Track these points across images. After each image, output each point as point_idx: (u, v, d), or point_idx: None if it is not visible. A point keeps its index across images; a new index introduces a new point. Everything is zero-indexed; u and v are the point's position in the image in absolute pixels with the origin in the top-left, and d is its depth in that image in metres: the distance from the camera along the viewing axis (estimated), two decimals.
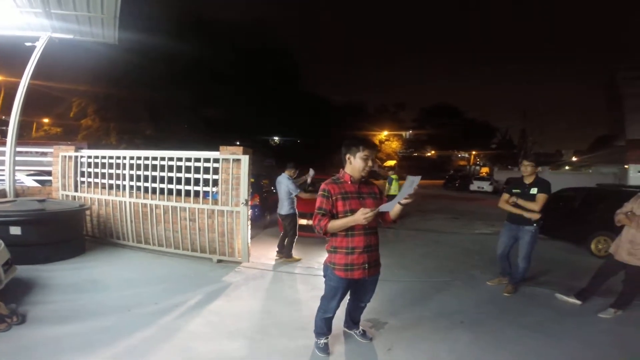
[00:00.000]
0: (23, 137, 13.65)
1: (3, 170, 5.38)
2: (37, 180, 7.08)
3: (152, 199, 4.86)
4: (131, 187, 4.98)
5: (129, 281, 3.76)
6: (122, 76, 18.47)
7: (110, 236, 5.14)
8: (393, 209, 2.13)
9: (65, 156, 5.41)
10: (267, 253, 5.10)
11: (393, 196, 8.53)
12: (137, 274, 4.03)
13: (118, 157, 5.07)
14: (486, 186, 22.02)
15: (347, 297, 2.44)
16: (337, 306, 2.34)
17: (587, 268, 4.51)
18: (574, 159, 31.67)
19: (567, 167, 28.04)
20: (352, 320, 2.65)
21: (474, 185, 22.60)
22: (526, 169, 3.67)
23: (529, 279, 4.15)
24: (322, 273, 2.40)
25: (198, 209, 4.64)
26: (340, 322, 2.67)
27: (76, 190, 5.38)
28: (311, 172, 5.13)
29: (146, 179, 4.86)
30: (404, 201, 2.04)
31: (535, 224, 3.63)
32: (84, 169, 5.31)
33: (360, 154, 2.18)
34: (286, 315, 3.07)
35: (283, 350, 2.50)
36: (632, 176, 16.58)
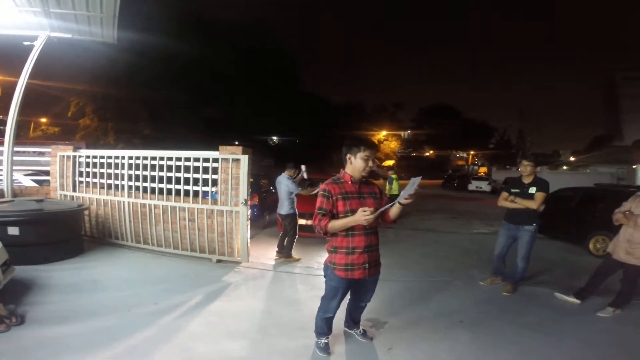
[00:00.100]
0: (20, 136, 13.61)
1: (1, 170, 5.35)
2: (35, 180, 7.04)
3: (151, 199, 4.85)
4: (130, 187, 4.96)
5: (128, 281, 3.75)
6: (121, 76, 18.40)
7: (109, 236, 5.12)
8: (393, 208, 2.13)
9: (63, 156, 5.38)
10: (267, 253, 5.10)
11: (394, 195, 8.57)
12: (136, 274, 4.02)
13: (117, 157, 5.05)
14: (484, 186, 22.09)
15: (348, 296, 2.44)
16: (338, 306, 2.34)
17: (586, 267, 4.54)
18: (571, 158, 31.80)
19: (564, 167, 28.14)
20: (353, 320, 2.65)
21: (472, 185, 22.67)
22: (525, 169, 3.69)
23: (528, 278, 4.17)
24: (321, 273, 2.40)
25: (197, 208, 4.63)
26: (341, 321, 2.67)
27: (74, 190, 5.35)
28: (303, 167, 5.11)
29: (145, 178, 4.85)
30: (404, 201, 2.05)
31: (534, 224, 3.65)
32: (82, 169, 5.29)
33: (361, 154, 2.18)
34: (286, 315, 3.07)
35: (283, 350, 2.50)
36: None
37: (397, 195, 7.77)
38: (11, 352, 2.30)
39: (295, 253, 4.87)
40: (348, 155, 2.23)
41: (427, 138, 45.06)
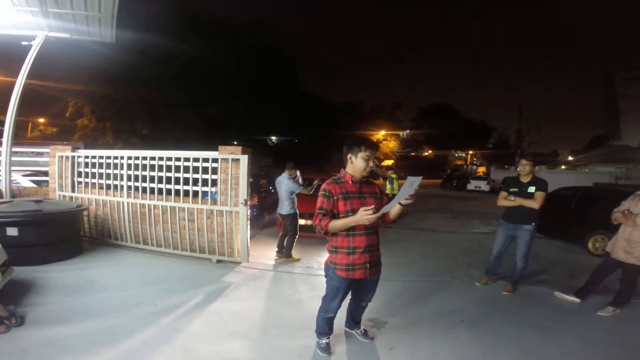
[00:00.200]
0: (18, 137, 13.53)
1: None
2: (33, 181, 7.01)
3: (150, 199, 4.83)
4: (129, 187, 4.94)
5: (128, 282, 3.74)
6: (119, 75, 18.34)
7: (108, 237, 5.10)
8: (393, 209, 2.13)
9: (62, 156, 5.36)
10: (267, 253, 5.09)
11: (392, 195, 8.55)
12: (136, 274, 4.00)
13: (116, 157, 5.03)
14: (483, 185, 22.16)
15: (348, 296, 2.44)
16: (339, 306, 2.34)
17: (585, 267, 4.56)
18: (570, 158, 31.90)
19: (563, 167, 28.23)
20: (354, 319, 2.65)
21: (471, 185, 22.74)
22: (524, 168, 3.69)
23: (528, 277, 4.19)
24: (322, 273, 2.40)
25: (197, 209, 4.62)
26: (342, 322, 2.67)
27: (73, 191, 5.33)
28: (297, 173, 5.08)
29: (144, 179, 4.83)
30: (404, 202, 2.05)
31: (533, 223, 3.65)
32: (81, 169, 5.27)
33: (362, 154, 2.17)
34: (287, 315, 3.07)
35: (284, 351, 2.49)
36: None
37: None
38: (11, 353, 2.29)
39: (295, 253, 4.86)
40: (349, 155, 2.23)
41: (425, 138, 45.13)
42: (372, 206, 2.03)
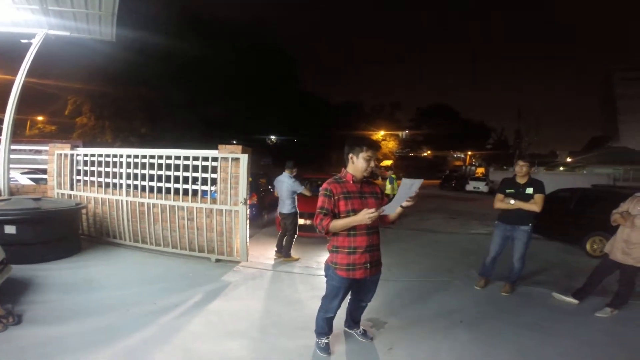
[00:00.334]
0: (17, 135, 13.46)
1: None
2: (32, 179, 6.99)
3: (149, 198, 4.82)
4: (128, 185, 4.93)
5: (127, 281, 3.73)
6: (118, 74, 18.28)
7: (107, 235, 5.09)
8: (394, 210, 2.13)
9: (60, 154, 5.34)
10: (266, 252, 5.09)
11: (393, 195, 8.54)
12: (135, 273, 3.99)
13: (115, 156, 5.02)
14: (482, 186, 22.19)
15: (348, 296, 2.44)
16: (339, 306, 2.34)
17: (583, 268, 4.57)
18: (568, 159, 32.00)
19: (561, 168, 28.32)
20: (353, 319, 2.65)
21: (470, 186, 22.77)
22: (522, 169, 3.68)
23: (526, 278, 4.20)
24: (321, 273, 2.39)
25: (196, 208, 4.61)
26: (341, 321, 2.67)
27: (72, 189, 5.32)
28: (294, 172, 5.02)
29: (144, 177, 4.82)
30: (405, 204, 2.06)
31: (530, 224, 3.66)
32: (80, 167, 5.25)
33: (363, 154, 2.17)
34: (286, 315, 3.06)
35: (283, 350, 2.49)
36: None
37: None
38: (8, 352, 2.27)
39: (294, 253, 4.86)
40: (350, 155, 2.23)
41: (424, 138, 45.20)
42: (375, 208, 2.03)
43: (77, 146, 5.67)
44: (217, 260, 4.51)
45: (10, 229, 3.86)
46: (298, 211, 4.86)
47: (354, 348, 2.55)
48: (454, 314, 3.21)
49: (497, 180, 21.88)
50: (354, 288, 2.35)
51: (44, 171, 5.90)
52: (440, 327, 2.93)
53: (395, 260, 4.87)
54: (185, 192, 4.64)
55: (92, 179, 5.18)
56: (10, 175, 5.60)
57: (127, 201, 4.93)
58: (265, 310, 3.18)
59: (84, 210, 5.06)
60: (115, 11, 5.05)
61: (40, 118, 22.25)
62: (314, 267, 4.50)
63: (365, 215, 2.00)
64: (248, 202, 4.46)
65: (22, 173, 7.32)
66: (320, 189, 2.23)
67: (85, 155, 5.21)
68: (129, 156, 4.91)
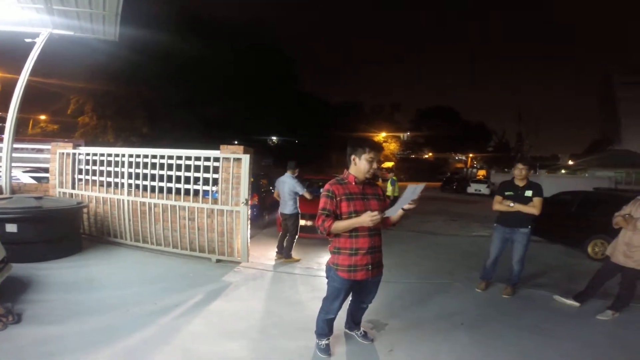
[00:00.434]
0: (19, 133, 13.51)
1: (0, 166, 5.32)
2: (33, 177, 7.00)
3: (150, 198, 4.83)
4: (130, 185, 4.94)
5: (127, 280, 3.73)
6: (120, 73, 18.33)
7: (108, 235, 5.09)
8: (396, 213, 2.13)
9: (62, 153, 5.35)
10: (266, 253, 5.08)
11: (394, 197, 8.52)
12: (135, 273, 3.99)
13: (117, 155, 5.03)
14: (483, 189, 22.15)
15: (349, 298, 2.43)
16: (340, 307, 2.33)
17: (584, 271, 4.56)
18: (570, 162, 31.92)
19: (563, 171, 28.25)
20: (354, 321, 2.64)
21: (471, 188, 22.73)
22: (521, 172, 3.69)
23: (527, 281, 4.19)
24: (322, 274, 2.39)
25: (197, 208, 4.61)
26: (342, 323, 2.66)
27: (73, 188, 5.33)
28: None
29: (145, 177, 4.82)
30: (407, 206, 2.06)
31: (529, 226, 3.66)
32: (82, 167, 5.26)
33: (365, 156, 2.17)
34: (286, 316, 3.06)
35: (284, 351, 2.49)
36: None
37: (397, 197, 7.65)
38: (8, 351, 2.27)
39: (295, 254, 4.85)
40: (352, 156, 2.23)
41: (425, 140, 45.18)
42: (378, 210, 2.04)
43: (79, 145, 5.68)
44: (218, 261, 4.51)
45: (11, 228, 3.86)
46: (300, 212, 4.86)
47: (354, 349, 2.54)
48: (455, 316, 3.20)
49: (499, 182, 21.75)
50: (355, 289, 2.34)
51: (46, 170, 5.91)
52: (441, 329, 2.92)
53: (395, 262, 4.85)
54: (187, 192, 4.64)
55: (94, 178, 5.19)
56: (13, 174, 5.61)
57: (128, 201, 4.94)
58: (266, 310, 3.18)
59: (85, 210, 5.06)
60: (119, 11, 5.07)
61: (42, 117, 22.33)
62: (315, 268, 4.50)
63: (368, 218, 2.00)
64: (249, 202, 4.47)
65: (24, 171, 7.34)
66: (323, 189, 2.22)
67: (87, 154, 5.22)
68: (130, 156, 4.92)
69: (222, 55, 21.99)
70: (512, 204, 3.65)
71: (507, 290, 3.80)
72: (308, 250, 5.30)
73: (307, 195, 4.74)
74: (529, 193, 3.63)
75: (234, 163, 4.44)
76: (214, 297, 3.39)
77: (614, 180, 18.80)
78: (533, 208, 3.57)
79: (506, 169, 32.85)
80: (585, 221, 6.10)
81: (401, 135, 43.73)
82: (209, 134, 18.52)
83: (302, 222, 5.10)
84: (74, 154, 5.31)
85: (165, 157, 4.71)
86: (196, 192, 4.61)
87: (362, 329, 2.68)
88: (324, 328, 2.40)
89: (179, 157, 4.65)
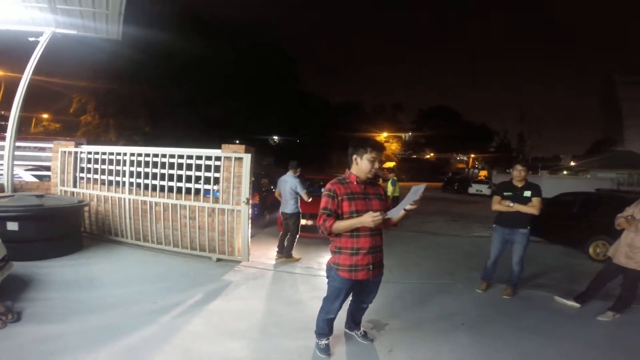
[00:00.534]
0: (22, 132, 13.55)
1: (1, 164, 5.34)
2: (35, 176, 7.03)
3: (152, 196, 4.83)
4: (131, 183, 4.94)
5: (128, 279, 3.73)
6: (122, 72, 18.39)
7: (109, 233, 5.10)
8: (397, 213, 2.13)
9: (64, 152, 5.37)
10: (267, 252, 5.08)
11: (395, 197, 8.49)
12: (136, 271, 4.00)
13: (118, 154, 5.04)
14: (484, 189, 22.11)
15: (349, 298, 2.43)
16: (340, 307, 2.33)
17: (586, 272, 4.55)
18: (572, 163, 31.80)
19: (565, 172, 28.16)
20: (354, 321, 2.64)
21: (473, 188, 22.72)
22: (520, 174, 3.70)
23: (528, 281, 4.18)
24: (322, 273, 2.39)
25: (198, 207, 4.62)
26: (342, 323, 2.66)
27: (75, 186, 5.34)
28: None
29: (146, 175, 4.83)
30: (409, 207, 2.06)
31: (528, 226, 3.66)
32: (84, 165, 5.28)
33: (367, 156, 2.17)
34: (287, 315, 3.06)
35: (284, 351, 2.48)
36: None
37: (398, 197, 7.65)
38: (7, 349, 2.27)
39: (295, 253, 4.85)
40: (354, 156, 2.22)
41: (427, 140, 45.11)
42: (380, 210, 2.03)
43: (81, 144, 5.70)
44: (218, 260, 4.51)
45: (12, 226, 3.88)
46: (301, 212, 4.86)
47: (354, 349, 2.53)
48: (455, 316, 3.19)
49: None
50: (355, 289, 2.34)
51: (48, 168, 5.93)
52: (441, 330, 2.91)
53: (396, 262, 4.84)
54: (188, 191, 4.65)
55: (95, 176, 5.20)
56: (15, 172, 5.64)
57: (129, 199, 4.94)
58: (266, 310, 3.17)
59: (86, 208, 5.07)
60: (122, 10, 5.08)
61: (45, 116, 22.42)
62: (315, 267, 4.49)
63: (369, 218, 2.00)
64: (250, 201, 4.47)
65: (26, 170, 7.37)
66: (324, 189, 2.22)
67: (89, 153, 5.23)
68: (132, 154, 4.93)
69: (224, 55, 22.01)
70: (511, 204, 3.65)
71: (507, 291, 3.79)
72: (309, 249, 5.30)
73: (305, 197, 4.70)
74: (527, 193, 3.64)
75: (235, 162, 4.45)
76: (214, 296, 3.39)
77: (616, 182, 18.74)
78: (532, 208, 3.58)
79: (508, 170, 32.72)
80: (586, 222, 6.08)
81: (403, 135, 43.68)
82: (211, 133, 18.53)
83: (302, 222, 5.10)
84: (76, 153, 5.33)
85: (167, 156, 4.72)
86: (197, 191, 4.62)
87: (362, 329, 2.67)
88: (324, 328, 2.40)
89: (180, 156, 4.66)
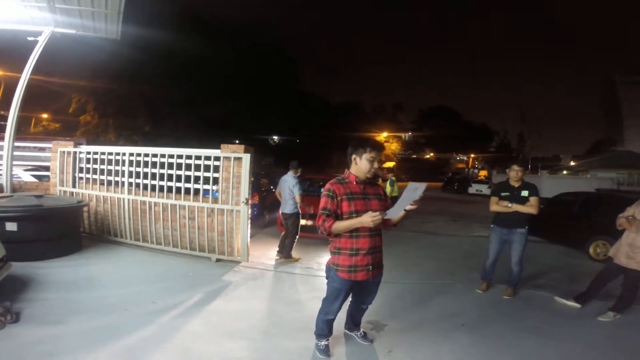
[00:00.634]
0: (21, 132, 13.55)
1: (0, 164, 5.33)
2: (34, 176, 7.02)
3: (151, 197, 4.82)
4: (130, 184, 4.93)
5: (127, 279, 3.72)
6: (122, 72, 18.36)
7: (108, 233, 5.09)
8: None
9: (63, 152, 5.35)
10: (266, 252, 5.07)
11: (393, 197, 8.49)
12: (135, 272, 3.99)
13: (117, 154, 5.03)
14: (484, 189, 22.08)
15: (349, 298, 2.42)
16: (339, 308, 2.32)
17: (586, 272, 4.54)
18: (572, 163, 31.81)
19: (564, 172, 28.16)
20: (353, 322, 2.63)
21: (473, 188, 22.72)
22: (517, 174, 3.71)
23: (528, 282, 4.17)
24: (322, 274, 2.38)
25: (198, 207, 4.61)
26: (341, 323, 2.65)
27: (74, 187, 5.33)
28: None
29: (145, 175, 4.82)
30: (409, 207, 2.04)
31: (526, 226, 3.66)
32: (83, 165, 5.26)
33: (366, 155, 2.15)
34: (286, 316, 3.05)
35: (283, 351, 2.47)
36: None
37: (396, 197, 7.66)
38: (6, 350, 2.26)
39: (295, 253, 4.84)
40: (353, 156, 2.21)
41: (427, 140, 45.07)
42: (379, 210, 2.02)
43: (81, 144, 5.69)
44: (218, 260, 4.50)
45: (11, 226, 3.86)
46: (300, 212, 4.84)
47: (354, 350, 2.52)
48: (455, 317, 3.19)
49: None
50: (355, 290, 2.33)
51: (48, 168, 5.92)
52: (441, 330, 2.90)
53: (396, 262, 4.83)
54: (187, 191, 4.64)
55: (95, 176, 5.19)
56: (14, 172, 5.62)
57: (128, 199, 4.93)
58: (266, 310, 3.17)
59: (85, 208, 5.06)
60: (122, 9, 5.07)
61: (45, 115, 22.39)
62: (315, 267, 4.48)
63: (369, 218, 1.98)
64: (249, 201, 4.46)
65: (26, 170, 7.36)
66: (323, 189, 2.21)
67: (88, 153, 5.22)
68: (131, 154, 4.92)
69: (224, 55, 21.99)
70: (510, 205, 3.65)
71: (507, 291, 3.78)
72: (308, 249, 5.29)
73: (297, 199, 4.67)
74: (525, 193, 3.64)
75: (234, 162, 4.44)
76: (213, 297, 3.38)
77: (616, 182, 18.74)
78: (531, 208, 3.58)
79: (507, 170, 32.72)
80: (587, 222, 6.07)
81: (403, 135, 43.66)
82: (211, 133, 18.53)
83: (302, 222, 5.09)
84: (75, 153, 5.31)
85: (166, 156, 4.71)
86: (196, 191, 4.61)
87: (361, 329, 2.66)
88: (324, 329, 2.39)
89: (180, 156, 4.65)
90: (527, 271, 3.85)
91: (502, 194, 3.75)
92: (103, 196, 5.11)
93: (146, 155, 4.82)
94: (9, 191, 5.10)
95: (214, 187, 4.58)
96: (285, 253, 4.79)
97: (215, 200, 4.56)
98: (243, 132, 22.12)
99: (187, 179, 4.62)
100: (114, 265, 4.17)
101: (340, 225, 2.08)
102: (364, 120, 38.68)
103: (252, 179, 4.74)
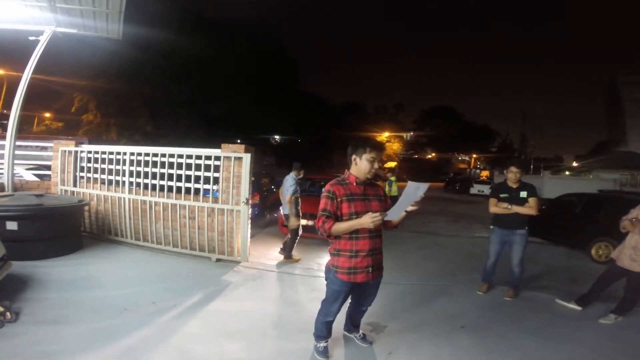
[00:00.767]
0: (24, 131, 13.61)
1: (2, 163, 5.34)
2: (36, 175, 7.04)
3: (151, 196, 4.82)
4: (131, 183, 4.94)
5: (127, 279, 3.72)
6: (123, 71, 18.40)
7: (109, 233, 5.10)
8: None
9: (65, 151, 5.36)
10: (267, 253, 5.07)
11: (393, 197, 8.47)
12: (135, 272, 3.99)
13: (118, 153, 5.03)
14: (486, 190, 21.93)
15: (348, 300, 2.40)
16: (339, 310, 2.30)
17: (588, 273, 4.50)
18: (574, 164, 31.66)
19: (567, 173, 28.03)
20: (353, 323, 2.61)
21: (474, 189, 22.65)
22: (515, 175, 3.69)
23: (530, 283, 4.14)
24: (322, 274, 2.36)
25: (198, 207, 4.60)
26: (340, 325, 2.64)
27: (75, 186, 5.33)
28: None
29: (146, 175, 4.82)
30: (410, 208, 2.02)
31: (526, 227, 3.65)
32: (84, 164, 5.27)
33: (366, 156, 2.13)
34: (286, 317, 3.04)
35: (283, 353, 2.46)
36: None
37: (396, 197, 7.65)
38: (4, 349, 2.26)
39: (295, 254, 4.83)
40: (353, 157, 2.19)
41: (428, 140, 44.99)
42: (380, 211, 2.00)
43: (82, 143, 5.70)
44: (218, 260, 4.50)
45: (12, 225, 3.87)
46: (300, 212, 4.83)
47: (353, 352, 2.51)
48: (456, 318, 3.17)
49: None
50: (354, 292, 2.31)
51: (49, 167, 5.93)
52: (442, 332, 2.88)
53: (396, 263, 4.82)
54: (187, 190, 4.63)
55: (96, 176, 5.19)
56: (16, 171, 5.64)
57: (129, 199, 4.94)
58: (265, 311, 3.15)
59: (86, 208, 5.07)
60: (123, 9, 5.07)
61: (47, 115, 22.47)
62: (315, 268, 4.47)
63: (369, 219, 1.97)
64: (250, 201, 4.45)
65: (27, 169, 7.38)
66: (323, 190, 2.19)
67: (89, 152, 5.22)
68: (132, 154, 4.92)
69: (224, 55, 22.00)
70: (509, 206, 3.63)
71: (509, 292, 3.76)
72: (309, 250, 5.28)
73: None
74: (523, 194, 3.63)
75: (235, 162, 4.43)
76: (213, 297, 3.37)
77: (619, 183, 18.62)
78: (530, 209, 3.57)
79: (505, 171, 32.60)
80: (589, 223, 6.03)
81: (404, 135, 43.58)
82: (212, 133, 18.56)
83: (303, 222, 5.08)
84: (76, 152, 5.32)
85: (167, 156, 4.71)
86: (197, 191, 4.60)
87: (361, 331, 2.65)
88: (323, 330, 2.37)
89: (180, 156, 4.65)
90: (528, 272, 3.82)
91: (501, 195, 3.73)
92: (104, 195, 5.12)
93: (147, 154, 4.82)
94: (10, 190, 5.11)
95: (215, 187, 4.58)
96: (285, 253, 4.78)
97: (215, 200, 4.55)
98: (244, 131, 22.14)
99: (188, 178, 4.62)
100: (114, 264, 4.17)
101: (340, 226, 2.07)
102: (365, 120, 38.62)
103: (253, 178, 4.73)
